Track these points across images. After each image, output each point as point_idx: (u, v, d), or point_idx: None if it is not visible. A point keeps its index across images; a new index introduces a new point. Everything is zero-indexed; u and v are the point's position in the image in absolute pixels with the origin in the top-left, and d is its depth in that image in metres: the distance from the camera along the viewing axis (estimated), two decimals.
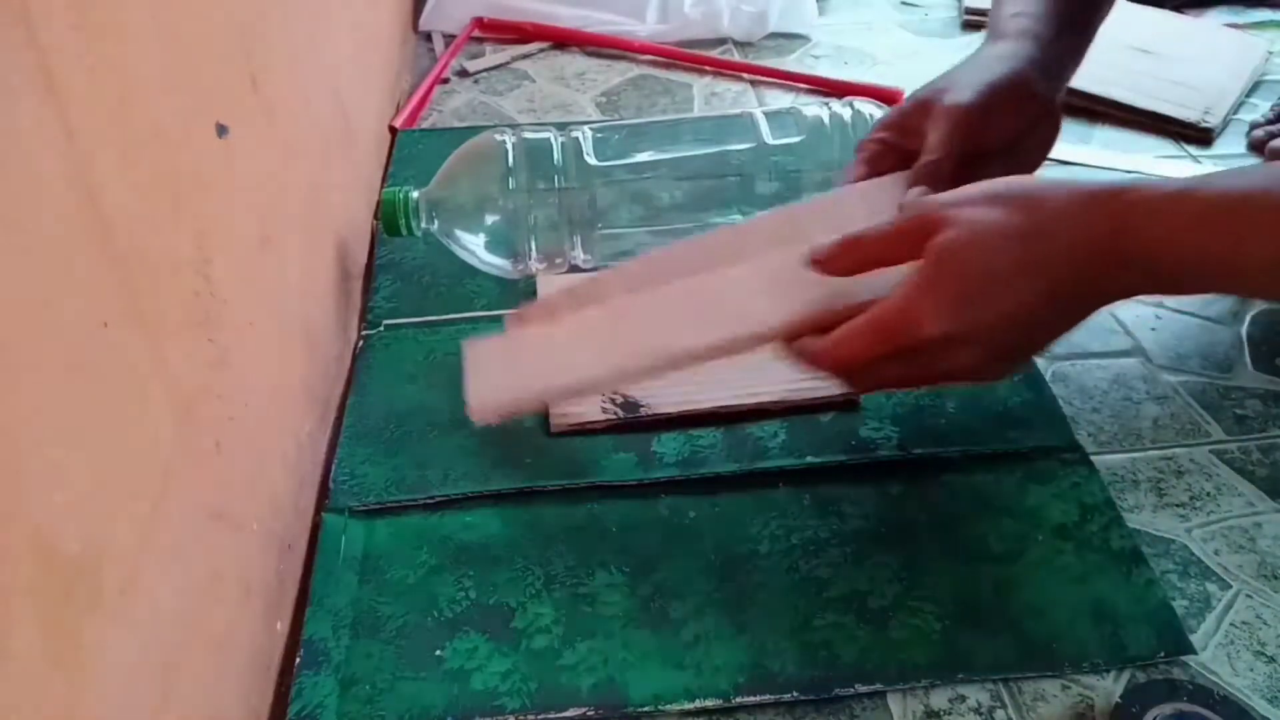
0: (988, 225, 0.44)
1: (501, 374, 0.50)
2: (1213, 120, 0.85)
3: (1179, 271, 0.43)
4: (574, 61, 1.00)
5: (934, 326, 0.43)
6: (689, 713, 0.45)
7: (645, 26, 1.03)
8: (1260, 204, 0.41)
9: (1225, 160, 0.82)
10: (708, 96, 0.95)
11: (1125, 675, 0.46)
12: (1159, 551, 0.52)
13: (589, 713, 0.44)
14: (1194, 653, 0.47)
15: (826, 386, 0.57)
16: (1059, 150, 0.83)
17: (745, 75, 0.97)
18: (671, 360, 0.49)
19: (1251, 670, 0.46)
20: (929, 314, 0.43)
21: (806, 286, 0.48)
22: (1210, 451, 0.57)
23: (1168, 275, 0.44)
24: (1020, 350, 0.47)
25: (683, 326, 0.50)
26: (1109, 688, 0.46)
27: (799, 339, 0.48)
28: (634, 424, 0.57)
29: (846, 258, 0.47)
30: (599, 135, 0.67)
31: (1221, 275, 0.44)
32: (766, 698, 0.45)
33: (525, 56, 1.00)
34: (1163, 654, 0.46)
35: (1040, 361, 0.63)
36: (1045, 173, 0.57)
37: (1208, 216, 0.42)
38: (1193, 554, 0.52)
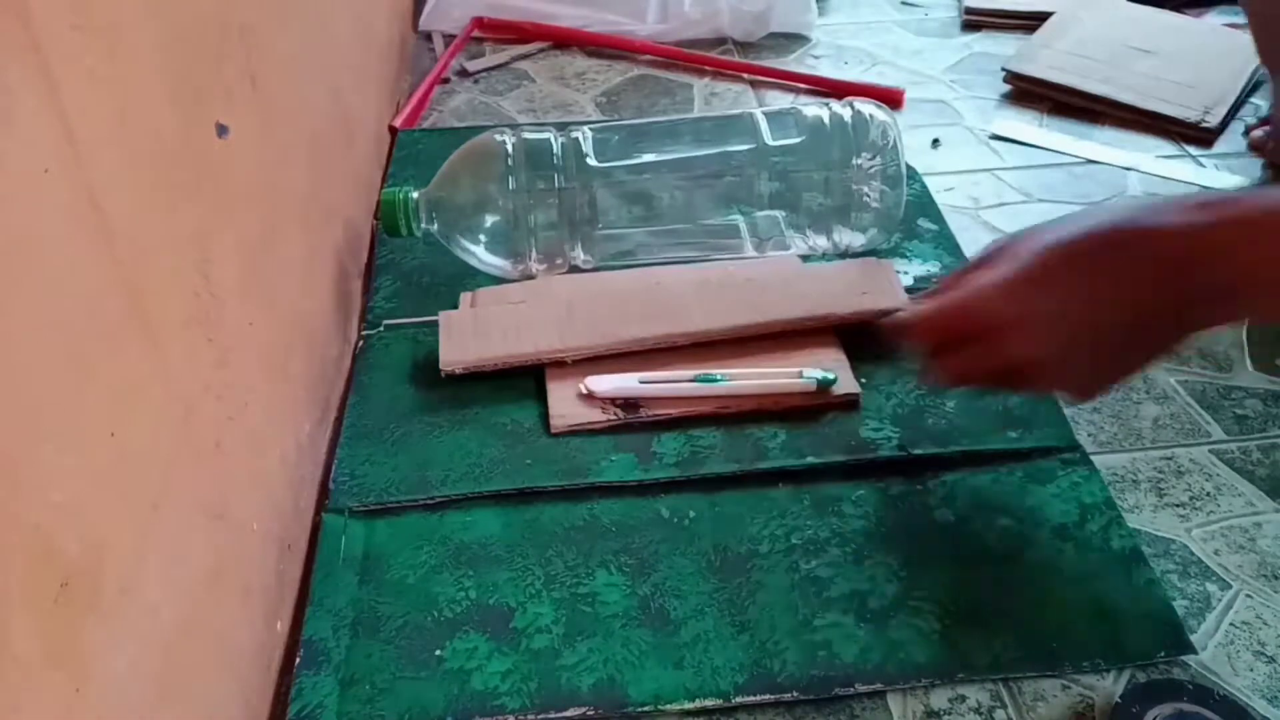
0: (1071, 225, 0.45)
1: (471, 339, 0.60)
2: (1213, 120, 0.85)
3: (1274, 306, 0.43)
4: (574, 61, 1.00)
5: (999, 306, 0.45)
6: (689, 713, 0.45)
7: (645, 26, 1.03)
8: None
9: (1225, 160, 0.82)
10: (708, 96, 0.95)
11: (1125, 675, 0.46)
12: (1159, 551, 0.52)
13: (589, 713, 0.44)
14: (1194, 653, 0.46)
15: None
16: (1060, 145, 0.84)
17: (745, 75, 0.97)
18: (617, 345, 0.60)
19: (1251, 670, 0.46)
20: (996, 295, 0.45)
21: (735, 301, 0.61)
22: (1210, 451, 0.57)
23: (1264, 310, 0.44)
24: (1086, 354, 0.45)
25: (628, 318, 0.61)
26: (1109, 688, 0.46)
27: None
28: (634, 424, 0.57)
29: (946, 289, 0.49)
30: (599, 135, 0.67)
31: None
32: (766, 698, 0.45)
33: (525, 56, 1.01)
34: (1163, 654, 0.46)
35: None
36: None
37: None
38: (1193, 554, 0.52)
